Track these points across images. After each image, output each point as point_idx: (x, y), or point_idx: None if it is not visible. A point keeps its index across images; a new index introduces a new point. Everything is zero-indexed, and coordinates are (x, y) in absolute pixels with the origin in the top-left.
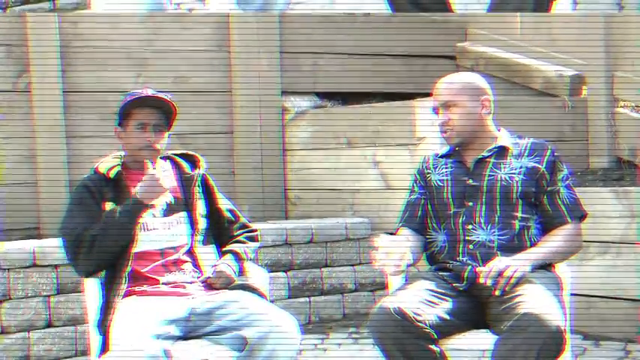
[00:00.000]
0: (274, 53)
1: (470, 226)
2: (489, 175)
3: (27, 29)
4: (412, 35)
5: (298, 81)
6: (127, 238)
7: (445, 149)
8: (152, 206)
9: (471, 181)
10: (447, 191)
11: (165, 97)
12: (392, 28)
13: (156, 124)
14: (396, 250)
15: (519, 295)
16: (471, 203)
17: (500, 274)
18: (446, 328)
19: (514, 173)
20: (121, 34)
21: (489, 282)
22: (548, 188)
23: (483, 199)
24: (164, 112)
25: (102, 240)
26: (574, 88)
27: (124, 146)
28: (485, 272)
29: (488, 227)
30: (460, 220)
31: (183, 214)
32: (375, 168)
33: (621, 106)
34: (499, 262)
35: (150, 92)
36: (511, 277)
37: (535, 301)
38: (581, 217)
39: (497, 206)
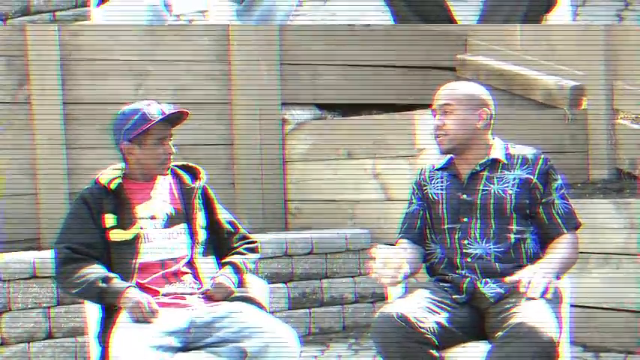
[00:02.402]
0: (274, 65)
1: (466, 242)
2: (483, 190)
3: (27, 40)
4: (412, 46)
5: (298, 92)
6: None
7: (441, 162)
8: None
9: (464, 197)
10: (442, 206)
11: (186, 110)
12: (392, 40)
13: (170, 135)
14: (392, 261)
15: (515, 305)
16: (465, 219)
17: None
18: (446, 337)
19: (507, 186)
20: (121, 45)
21: (538, 294)
22: (542, 200)
23: (478, 214)
24: (172, 122)
25: (79, 293)
26: (574, 100)
27: (136, 160)
28: (525, 285)
29: (484, 242)
30: (456, 236)
31: (184, 225)
32: (374, 179)
33: (621, 118)
34: (531, 273)
35: (166, 108)
36: (547, 283)
37: (530, 311)
38: (576, 227)
39: (492, 221)
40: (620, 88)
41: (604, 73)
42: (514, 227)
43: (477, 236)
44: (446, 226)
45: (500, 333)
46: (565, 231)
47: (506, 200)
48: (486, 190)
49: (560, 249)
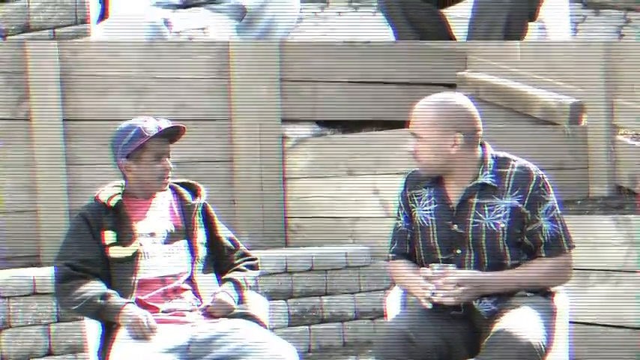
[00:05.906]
0: (274, 81)
1: None
2: (474, 222)
3: (27, 57)
4: (412, 63)
5: (298, 109)
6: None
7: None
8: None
9: (456, 227)
10: (432, 235)
11: (182, 125)
12: (392, 56)
13: (168, 151)
14: (449, 281)
15: (501, 316)
16: (459, 250)
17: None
18: (446, 354)
19: (499, 217)
20: (120, 62)
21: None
22: (528, 229)
23: (470, 247)
24: (169, 138)
25: (78, 310)
26: (574, 116)
27: (134, 177)
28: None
29: None
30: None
31: (184, 242)
32: (375, 196)
33: (621, 135)
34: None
35: (163, 124)
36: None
37: (511, 318)
38: (561, 252)
39: (485, 256)
40: (620, 105)
41: (604, 90)
42: (509, 260)
43: (472, 269)
44: (440, 257)
45: (484, 342)
46: (543, 256)
47: (499, 236)
48: (477, 222)
49: (517, 270)
